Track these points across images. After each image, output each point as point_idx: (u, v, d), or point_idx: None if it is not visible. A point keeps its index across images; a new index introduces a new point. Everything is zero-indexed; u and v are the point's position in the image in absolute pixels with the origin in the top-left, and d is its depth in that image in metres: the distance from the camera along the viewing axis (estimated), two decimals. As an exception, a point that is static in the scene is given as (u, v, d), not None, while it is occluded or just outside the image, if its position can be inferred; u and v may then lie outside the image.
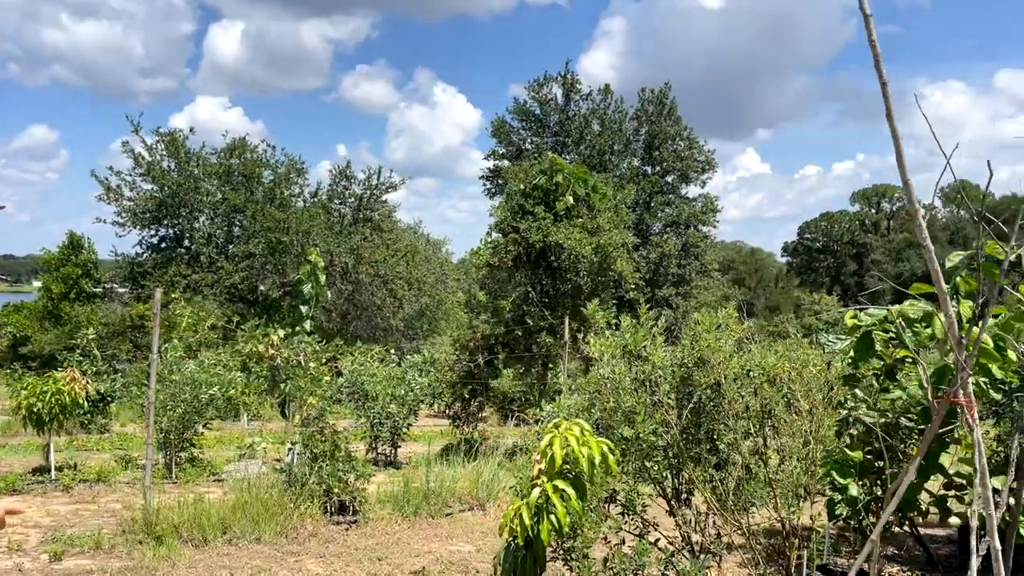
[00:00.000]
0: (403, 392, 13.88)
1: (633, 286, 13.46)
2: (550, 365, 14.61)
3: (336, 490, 8.47)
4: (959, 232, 76.63)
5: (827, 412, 4.90)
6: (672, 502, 5.18)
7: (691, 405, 4.89)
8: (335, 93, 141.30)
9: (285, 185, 29.03)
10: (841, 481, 5.75)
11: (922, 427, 5.56)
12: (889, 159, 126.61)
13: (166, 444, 11.27)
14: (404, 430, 13.82)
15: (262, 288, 27.92)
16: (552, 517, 4.00)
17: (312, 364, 8.50)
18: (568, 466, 4.19)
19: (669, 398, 4.89)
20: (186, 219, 27.79)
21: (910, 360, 5.58)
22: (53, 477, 10.53)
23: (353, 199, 29.73)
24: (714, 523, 5.05)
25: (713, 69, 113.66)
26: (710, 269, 28.80)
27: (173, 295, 11.52)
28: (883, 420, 5.61)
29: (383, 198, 29.96)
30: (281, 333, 9.08)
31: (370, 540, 8.05)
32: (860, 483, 5.81)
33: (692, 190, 30.13)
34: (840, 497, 5.79)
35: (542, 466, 4.15)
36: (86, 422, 16.62)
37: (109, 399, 16.91)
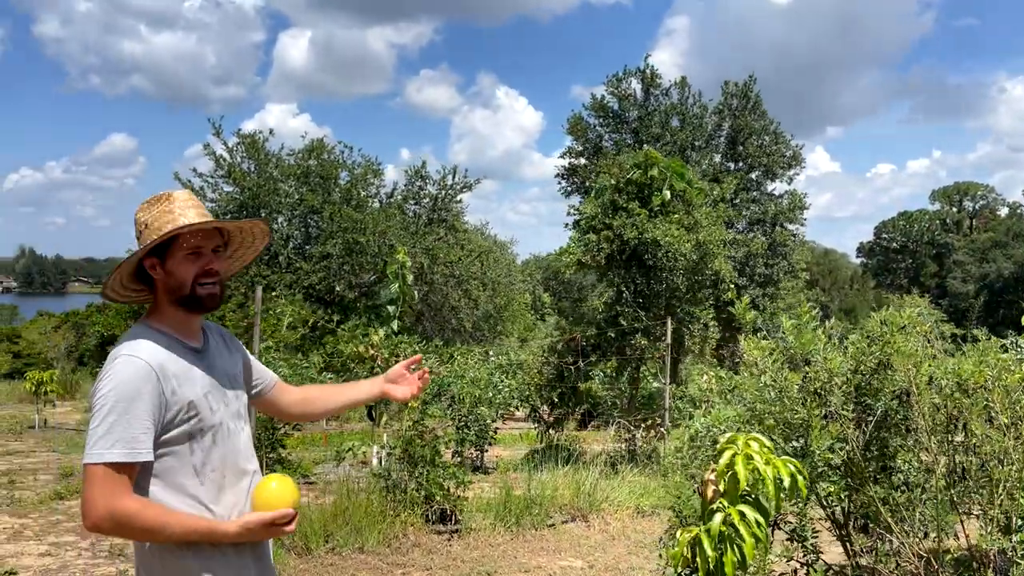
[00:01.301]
0: (491, 394, 13.49)
1: (732, 286, 12.71)
2: (643, 369, 13.99)
3: (438, 497, 8.08)
4: (1051, 230, 72.57)
5: (1033, 428, 4.20)
6: (845, 528, 4.56)
7: (873, 418, 4.26)
8: (399, 98, 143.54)
9: (362, 186, 29.09)
10: (1021, 503, 5.00)
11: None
12: (968, 156, 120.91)
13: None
14: (492, 434, 13.42)
15: (338, 289, 28.02)
16: (737, 548, 3.42)
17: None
18: (747, 488, 3.61)
19: (846, 409, 4.26)
20: (265, 220, 28.10)
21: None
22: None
23: (428, 199, 29.62)
24: (896, 551, 4.40)
25: (781, 66, 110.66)
26: (798, 269, 27.60)
27: (273, 293, 11.43)
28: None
29: (458, 198, 29.78)
30: (382, 333, 8.75)
31: (474, 552, 7.62)
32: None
33: (779, 187, 28.98)
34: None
35: (721, 487, 3.57)
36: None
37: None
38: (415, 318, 28.95)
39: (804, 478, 3.70)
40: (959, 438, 4.40)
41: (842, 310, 62.92)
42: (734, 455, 3.58)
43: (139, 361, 2.06)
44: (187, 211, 2.22)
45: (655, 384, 14.37)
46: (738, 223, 25.95)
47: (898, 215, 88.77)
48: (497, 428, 13.50)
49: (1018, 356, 4.86)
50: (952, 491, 4.40)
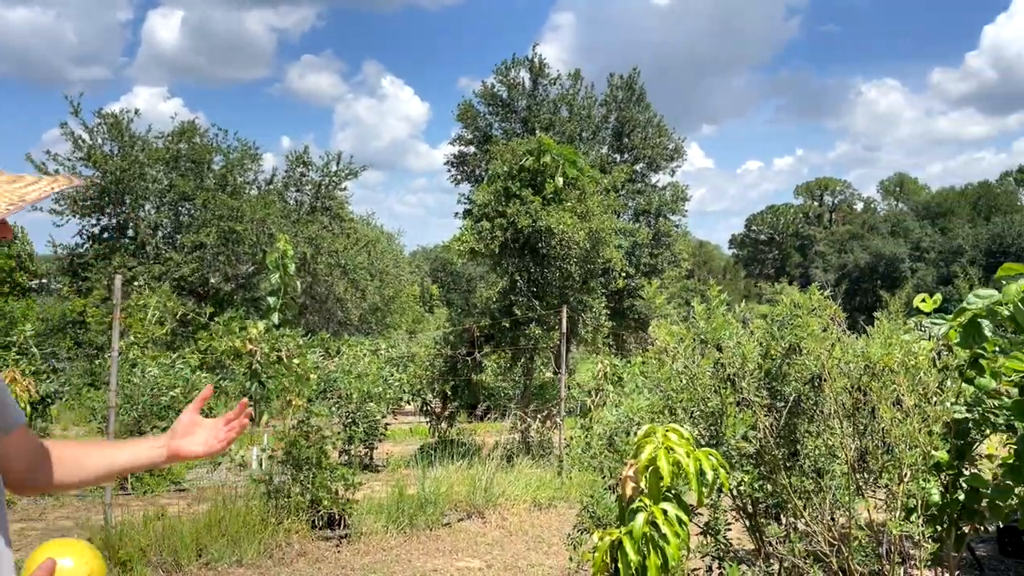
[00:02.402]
0: (381, 389, 12.95)
1: (624, 274, 12.72)
2: (536, 358, 13.83)
3: (325, 502, 7.53)
4: (899, 224, 78.61)
5: (936, 410, 4.20)
6: (755, 518, 4.43)
7: (786, 404, 4.13)
8: (279, 84, 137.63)
9: (238, 171, 27.52)
10: (924, 485, 5.07)
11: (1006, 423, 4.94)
12: (828, 154, 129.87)
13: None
14: (382, 430, 12.89)
15: (213, 280, 26.45)
16: (661, 551, 3.18)
17: (296, 361, 7.50)
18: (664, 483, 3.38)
19: (758, 396, 4.11)
20: (131, 207, 26.10)
21: (998, 349, 4.94)
22: (-9, 491, 9.32)
23: (311, 186, 28.40)
24: (807, 537, 4.31)
25: (659, 64, 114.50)
26: (680, 259, 28.42)
27: (136, 283, 10.39)
28: (969, 416, 4.96)
29: (342, 186, 28.71)
30: (261, 326, 8.06)
31: (366, 558, 7.14)
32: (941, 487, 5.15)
33: (662, 179, 29.74)
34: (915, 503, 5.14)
35: (642, 484, 3.31)
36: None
37: (50, 401, 15.53)
38: (298, 311, 27.75)
39: (726, 470, 3.50)
40: (865, 422, 4.35)
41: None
42: (656, 449, 3.33)
43: None
44: None
45: (548, 374, 14.25)
46: (624, 214, 26.41)
47: (766, 209, 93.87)
48: (388, 424, 12.96)
49: (921, 337, 4.89)
50: (858, 475, 4.36)
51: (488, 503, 8.84)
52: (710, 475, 3.33)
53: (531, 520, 8.64)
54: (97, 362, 14.96)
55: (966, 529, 5.18)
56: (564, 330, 10.46)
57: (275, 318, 11.06)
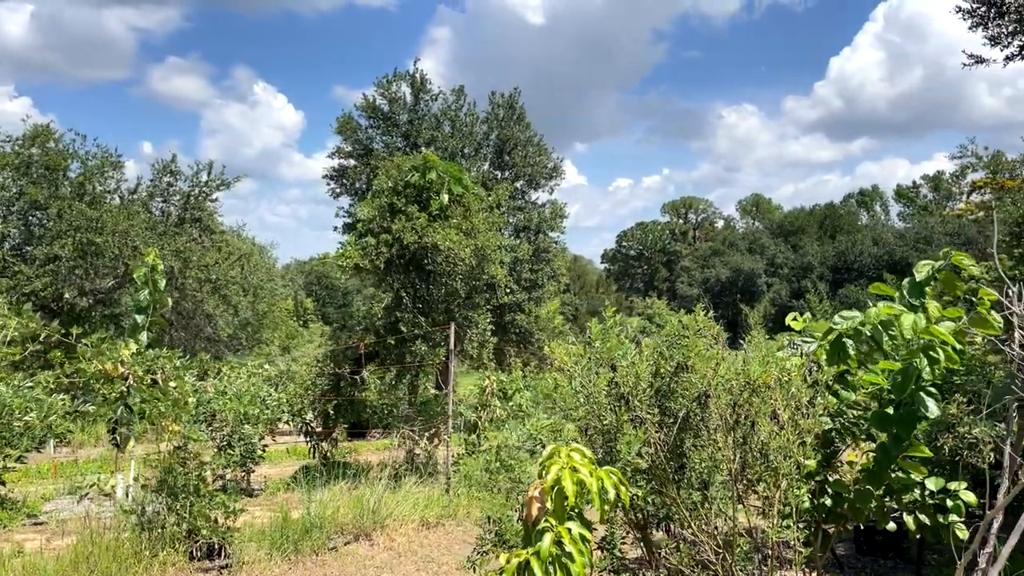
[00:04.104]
0: (258, 410, 12.46)
1: (508, 291, 12.91)
2: (420, 375, 13.77)
3: (204, 531, 7.17)
4: (756, 241, 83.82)
5: (808, 423, 4.55)
6: (646, 530, 4.62)
7: (675, 420, 4.35)
8: (140, 86, 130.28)
9: (97, 180, 25.75)
10: (796, 493, 5.46)
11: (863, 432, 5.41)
12: (692, 174, 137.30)
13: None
14: (259, 453, 12.39)
15: (68, 296, 24.57)
16: (567, 569, 3.27)
17: (172, 383, 7.12)
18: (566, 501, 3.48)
19: (650, 413, 4.31)
20: (-27, 216, 23.90)
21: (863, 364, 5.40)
22: None
23: (179, 197, 26.98)
24: (694, 545, 4.55)
25: (534, 83, 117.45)
26: (559, 274, 29.09)
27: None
28: (833, 426, 5.40)
29: (213, 196, 27.45)
30: (133, 347, 7.58)
31: (249, 588, 6.86)
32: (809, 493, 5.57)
33: (541, 196, 30.37)
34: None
35: (549, 504, 3.40)
36: None
37: None
38: (160, 328, 26.25)
39: (626, 487, 3.64)
40: (745, 435, 4.63)
41: (589, 312, 67.79)
42: (561, 469, 3.43)
43: None
44: None
45: (432, 390, 14.21)
46: (505, 230, 26.76)
47: (635, 225, 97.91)
48: (266, 445, 12.48)
49: (793, 354, 5.24)
50: (739, 485, 4.64)
51: (376, 524, 8.70)
52: (611, 493, 3.45)
53: (420, 540, 8.58)
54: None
55: (830, 531, 5.61)
56: (452, 346, 10.49)
57: (144, 337, 10.43)
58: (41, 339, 8.58)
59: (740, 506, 4.70)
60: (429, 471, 11.28)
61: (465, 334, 13.12)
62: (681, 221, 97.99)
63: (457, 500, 9.56)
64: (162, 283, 11.13)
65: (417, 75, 28.74)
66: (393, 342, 12.31)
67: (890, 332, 4.69)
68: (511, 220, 28.32)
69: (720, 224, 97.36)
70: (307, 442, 14.54)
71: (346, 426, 13.77)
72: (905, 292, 4.65)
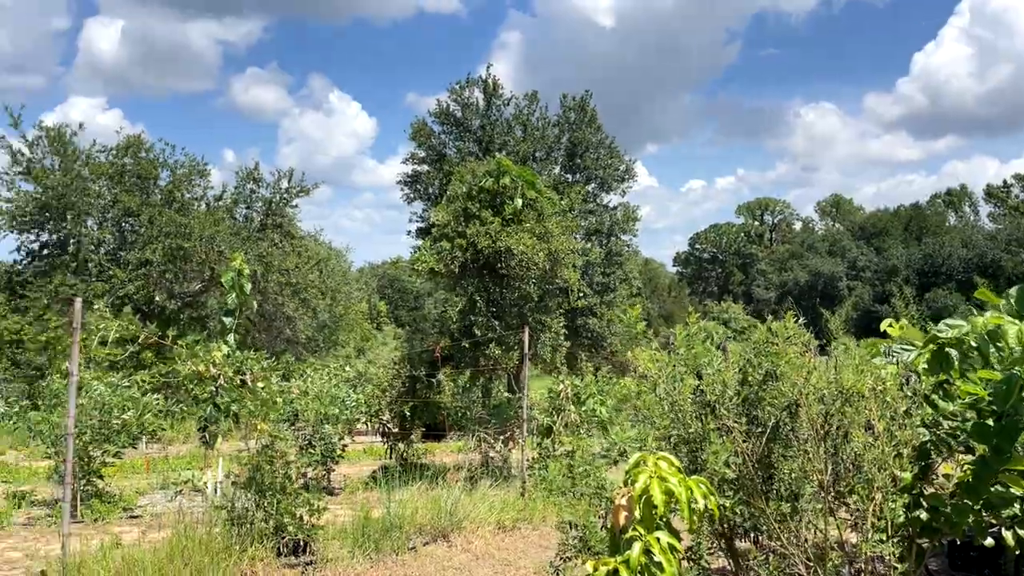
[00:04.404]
0: (336, 411, 12.78)
1: (581, 294, 12.87)
2: (494, 379, 13.86)
3: (290, 528, 7.39)
4: (837, 243, 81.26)
5: (905, 434, 4.39)
6: (732, 541, 4.54)
7: (764, 430, 4.26)
8: (223, 97, 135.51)
9: (185, 187, 26.95)
10: (891, 506, 5.26)
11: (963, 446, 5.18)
12: (768, 174, 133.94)
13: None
14: (338, 452, 12.71)
15: (158, 299, 25.74)
16: (656, 579, 3.24)
17: (260, 384, 7.38)
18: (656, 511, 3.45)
19: (738, 422, 4.23)
20: (72, 223, 25.29)
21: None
22: (-70, 522, 8.88)
23: (261, 203, 27.95)
24: (783, 559, 4.44)
25: (606, 85, 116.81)
26: (631, 278, 28.85)
27: (96, 308, 10.02)
28: (929, 438, 5.18)
29: (293, 203, 28.35)
30: (224, 349, 7.91)
31: (333, 585, 7.04)
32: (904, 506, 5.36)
33: (613, 199, 30.19)
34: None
35: (637, 513, 3.37)
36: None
37: (-12, 423, 14.90)
38: (244, 330, 27.21)
39: (715, 497, 3.59)
40: (837, 445, 4.50)
41: (661, 316, 66.98)
42: (649, 478, 3.40)
43: None
44: None
45: (505, 394, 14.28)
46: (576, 233, 26.74)
47: (709, 227, 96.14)
48: (345, 445, 12.80)
49: (888, 362, 5.07)
50: (829, 497, 4.51)
51: (453, 526, 8.79)
52: (701, 503, 3.41)
53: (496, 543, 8.62)
54: (40, 383, 14.41)
55: (924, 545, 5.39)
56: (525, 350, 10.52)
57: (232, 339, 10.87)
58: (139, 341, 9.04)
59: (831, 518, 4.57)
60: (504, 474, 11.34)
61: (538, 338, 13.14)
62: (757, 223, 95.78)
63: (533, 504, 9.57)
64: (247, 287, 11.55)
65: (490, 80, 29.02)
66: (467, 345, 12.43)
67: (996, 343, 4.48)
68: (583, 223, 28.27)
69: (798, 226, 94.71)
70: (384, 443, 14.82)
71: (421, 428, 13.97)
72: (1012, 301, 4.43)
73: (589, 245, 26.80)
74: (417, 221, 28.60)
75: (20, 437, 16.61)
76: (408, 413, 13.16)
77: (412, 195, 29.92)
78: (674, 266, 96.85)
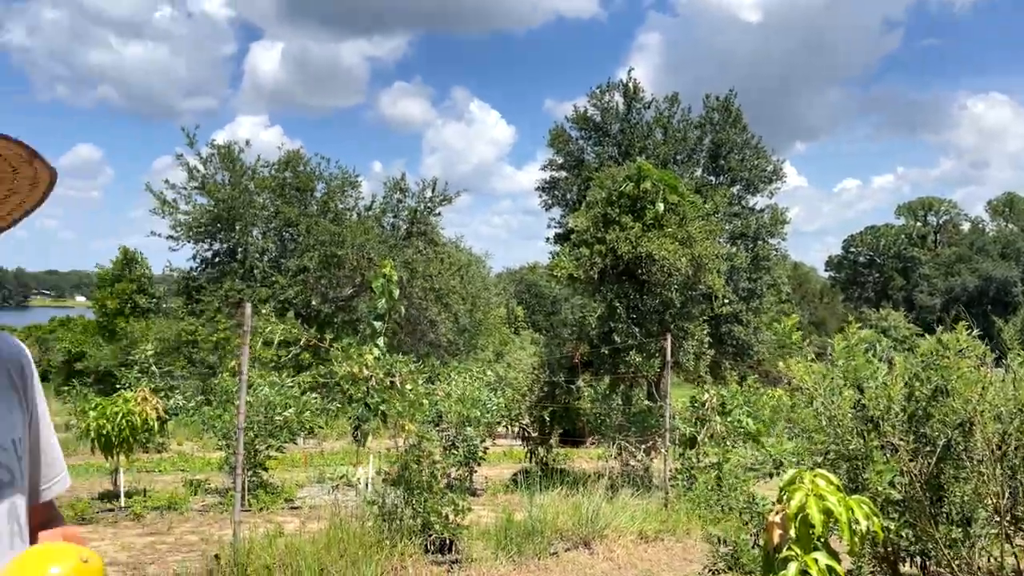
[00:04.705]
0: (478, 413, 13.08)
1: (726, 301, 12.47)
2: (634, 386, 13.70)
3: (437, 526, 7.65)
4: (1011, 245, 74.24)
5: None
6: (895, 565, 4.25)
7: (935, 449, 3.96)
8: (372, 112, 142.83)
9: (339, 198, 28.61)
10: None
11: None
12: (931, 171, 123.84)
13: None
14: (479, 454, 13.00)
15: (314, 303, 27.43)
16: (815, 602, 3.09)
17: (408, 386, 7.70)
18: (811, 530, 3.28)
19: (904, 440, 3.95)
20: (240, 233, 27.48)
21: None
22: (123, 504, 9.91)
23: (407, 212, 29.17)
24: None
25: (751, 82, 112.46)
26: (780, 283, 27.62)
27: (263, 312, 10.92)
28: None
29: (437, 211, 29.37)
30: (375, 351, 8.33)
31: (478, 585, 7.21)
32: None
33: (759, 201, 29.05)
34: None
35: (792, 532, 3.23)
36: (144, 440, 16.16)
37: (167, 418, 16.42)
38: (391, 333, 28.44)
39: (878, 519, 3.38)
40: (1011, 467, 4.12)
41: (812, 323, 63.54)
42: (806, 496, 3.25)
43: None
44: None
45: (645, 402, 14.07)
46: (720, 237, 25.95)
47: (865, 229, 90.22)
48: (487, 448, 13.07)
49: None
50: (1005, 522, 4.13)
51: (594, 533, 8.77)
52: (863, 524, 3.22)
53: (639, 553, 8.51)
54: (212, 380, 15.74)
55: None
56: (667, 358, 10.33)
57: (381, 342, 11.39)
58: (300, 343, 9.67)
59: (1007, 545, 4.19)
60: (645, 484, 11.18)
61: (680, 345, 12.87)
62: (919, 224, 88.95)
63: (676, 516, 9.37)
64: (395, 292, 12.05)
65: (630, 84, 28.76)
66: (607, 352, 12.37)
67: None
68: (727, 227, 27.40)
69: (966, 227, 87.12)
70: (523, 446, 15.02)
71: (561, 432, 14.05)
72: None
73: (734, 249, 25.89)
74: (555, 227, 28.86)
75: (195, 430, 18.22)
76: (547, 418, 13.27)
77: (550, 201, 30.18)
78: (826, 270, 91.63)
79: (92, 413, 10.10)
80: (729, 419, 11.86)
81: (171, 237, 26.92)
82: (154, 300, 32.06)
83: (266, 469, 11.26)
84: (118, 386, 14.22)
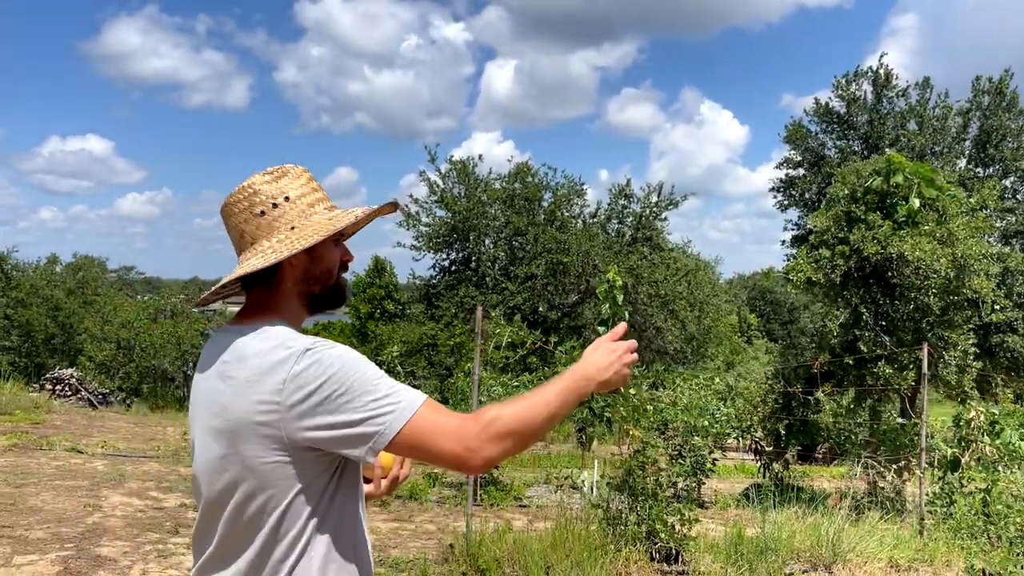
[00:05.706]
0: (706, 423, 12.63)
1: (997, 307, 10.92)
2: (883, 401, 12.46)
3: (662, 535, 7.47)
4: None
5: None
6: None
7: None
8: (599, 120, 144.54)
9: (565, 207, 29.22)
10: None
11: None
12: None
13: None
14: (708, 465, 12.54)
15: (541, 309, 28.24)
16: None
17: (632, 391, 7.61)
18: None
19: None
20: (474, 243, 29.05)
21: None
22: (372, 490, 10.81)
23: (632, 218, 29.06)
24: None
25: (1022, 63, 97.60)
26: (1071, 287, 23.67)
27: (493, 314, 11.62)
28: None
29: (662, 216, 28.93)
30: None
31: (706, 599, 6.93)
32: None
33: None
34: None
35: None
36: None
37: (411, 414, 17.70)
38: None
39: None
40: None
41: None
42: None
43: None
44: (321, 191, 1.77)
45: (898, 419, 12.73)
46: (990, 235, 22.78)
47: None
48: (716, 459, 12.58)
49: None
50: None
51: (836, 557, 8.05)
52: None
53: (889, 583, 7.69)
54: (448, 380, 16.74)
55: None
56: (924, 370, 9.25)
57: (605, 347, 11.43)
58: (526, 346, 9.99)
59: None
60: (896, 507, 10.10)
61: (940, 357, 11.48)
62: None
63: (934, 545, 8.34)
64: (620, 298, 12.00)
65: (881, 71, 26.23)
66: (850, 362, 11.36)
67: None
68: (999, 224, 24.01)
69: None
70: (756, 460, 14.26)
71: (797, 448, 13.14)
72: None
73: (1007, 249, 22.58)
74: (792, 229, 27.11)
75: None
76: (783, 431, 12.47)
77: (786, 201, 28.37)
78: None
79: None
80: (998, 440, 10.36)
81: (414, 247, 29.20)
82: (400, 306, 34.92)
83: (497, 467, 11.73)
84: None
